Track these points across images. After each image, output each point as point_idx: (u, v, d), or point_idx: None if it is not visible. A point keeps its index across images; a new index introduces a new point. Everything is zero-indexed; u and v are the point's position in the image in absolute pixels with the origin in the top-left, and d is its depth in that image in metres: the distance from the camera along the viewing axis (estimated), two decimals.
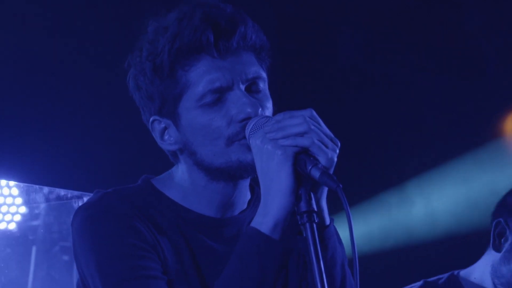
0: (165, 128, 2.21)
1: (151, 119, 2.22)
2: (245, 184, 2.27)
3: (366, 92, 5.42)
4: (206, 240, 2.21)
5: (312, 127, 2.02)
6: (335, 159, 2.03)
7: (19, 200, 5.17)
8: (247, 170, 2.16)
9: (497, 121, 5.35)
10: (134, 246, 2.10)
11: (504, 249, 2.90)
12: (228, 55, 2.15)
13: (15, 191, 5.16)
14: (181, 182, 2.25)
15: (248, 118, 2.12)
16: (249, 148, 2.11)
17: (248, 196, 2.30)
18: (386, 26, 5.40)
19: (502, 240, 2.90)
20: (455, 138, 5.33)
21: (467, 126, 5.31)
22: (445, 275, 3.13)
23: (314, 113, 2.07)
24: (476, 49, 5.35)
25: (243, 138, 2.13)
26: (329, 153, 2.01)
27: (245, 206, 2.28)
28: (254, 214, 2.17)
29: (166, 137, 2.22)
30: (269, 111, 2.17)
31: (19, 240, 5.20)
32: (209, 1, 2.18)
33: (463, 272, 3.10)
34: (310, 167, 1.99)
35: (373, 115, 5.38)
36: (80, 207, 2.18)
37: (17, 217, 5.18)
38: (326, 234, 2.14)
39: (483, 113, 5.35)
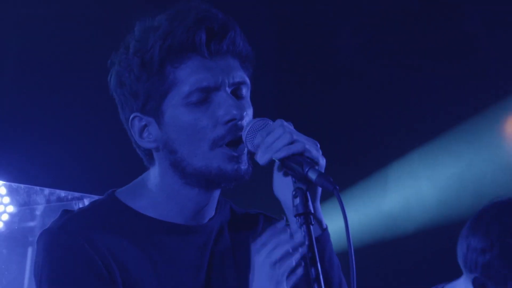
0: (145, 126, 2.21)
1: (131, 116, 2.21)
2: (218, 193, 2.27)
3: (364, 92, 5.42)
4: (177, 248, 2.21)
5: (295, 136, 2.06)
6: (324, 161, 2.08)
7: (6, 199, 5.15)
8: (226, 179, 2.17)
9: (497, 121, 5.35)
10: (88, 285, 2.11)
11: None
12: (217, 57, 2.17)
13: (3, 191, 5.15)
14: (152, 188, 2.24)
15: (233, 120, 2.14)
16: (231, 158, 2.15)
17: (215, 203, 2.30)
18: (385, 26, 5.40)
19: None
20: (454, 138, 5.32)
21: (466, 127, 5.31)
22: None
23: (284, 122, 2.11)
24: (475, 49, 5.35)
25: (226, 144, 2.15)
26: (320, 157, 2.06)
27: (213, 213, 2.28)
28: (220, 221, 2.24)
29: (145, 134, 2.21)
30: (249, 118, 2.18)
31: (20, 242, 5.21)
32: (201, 5, 2.20)
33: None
34: (307, 169, 2.02)
35: (372, 115, 5.38)
36: (44, 231, 2.18)
37: (5, 217, 5.17)
38: (323, 237, 2.16)
39: (483, 113, 5.35)
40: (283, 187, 2.14)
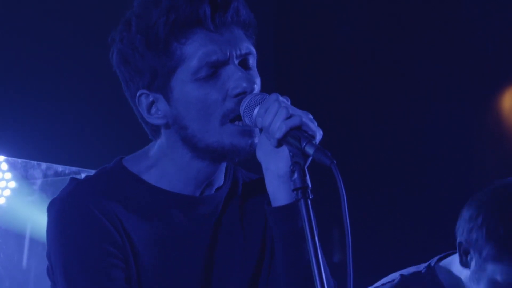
0: (153, 102, 2.19)
1: (138, 93, 2.19)
2: (225, 163, 2.27)
3: (364, 77, 5.42)
4: (182, 219, 2.21)
5: (291, 111, 2.07)
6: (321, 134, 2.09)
7: (8, 175, 5.15)
8: (239, 154, 2.17)
9: (495, 110, 5.36)
10: (101, 252, 2.13)
11: (471, 268, 2.99)
12: (223, 29, 2.15)
13: (4, 166, 5.15)
14: (159, 159, 2.24)
15: (243, 93, 2.14)
16: (242, 133, 2.15)
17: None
18: (384, 13, 5.40)
19: (468, 258, 3.00)
20: (452, 128, 5.33)
21: (464, 115, 5.32)
22: (422, 267, 3.15)
23: (280, 96, 2.11)
24: (474, 36, 5.35)
25: (237, 117, 2.15)
26: (317, 130, 2.07)
27: (222, 182, 2.29)
28: (229, 189, 2.25)
29: (153, 110, 2.20)
30: (258, 87, 2.18)
31: (18, 216, 5.21)
32: None
33: (443, 263, 3.14)
34: (304, 143, 2.03)
35: (370, 100, 5.38)
36: (53, 200, 2.20)
37: (7, 192, 5.18)
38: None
39: (481, 101, 5.36)
40: (268, 151, 2.15)
